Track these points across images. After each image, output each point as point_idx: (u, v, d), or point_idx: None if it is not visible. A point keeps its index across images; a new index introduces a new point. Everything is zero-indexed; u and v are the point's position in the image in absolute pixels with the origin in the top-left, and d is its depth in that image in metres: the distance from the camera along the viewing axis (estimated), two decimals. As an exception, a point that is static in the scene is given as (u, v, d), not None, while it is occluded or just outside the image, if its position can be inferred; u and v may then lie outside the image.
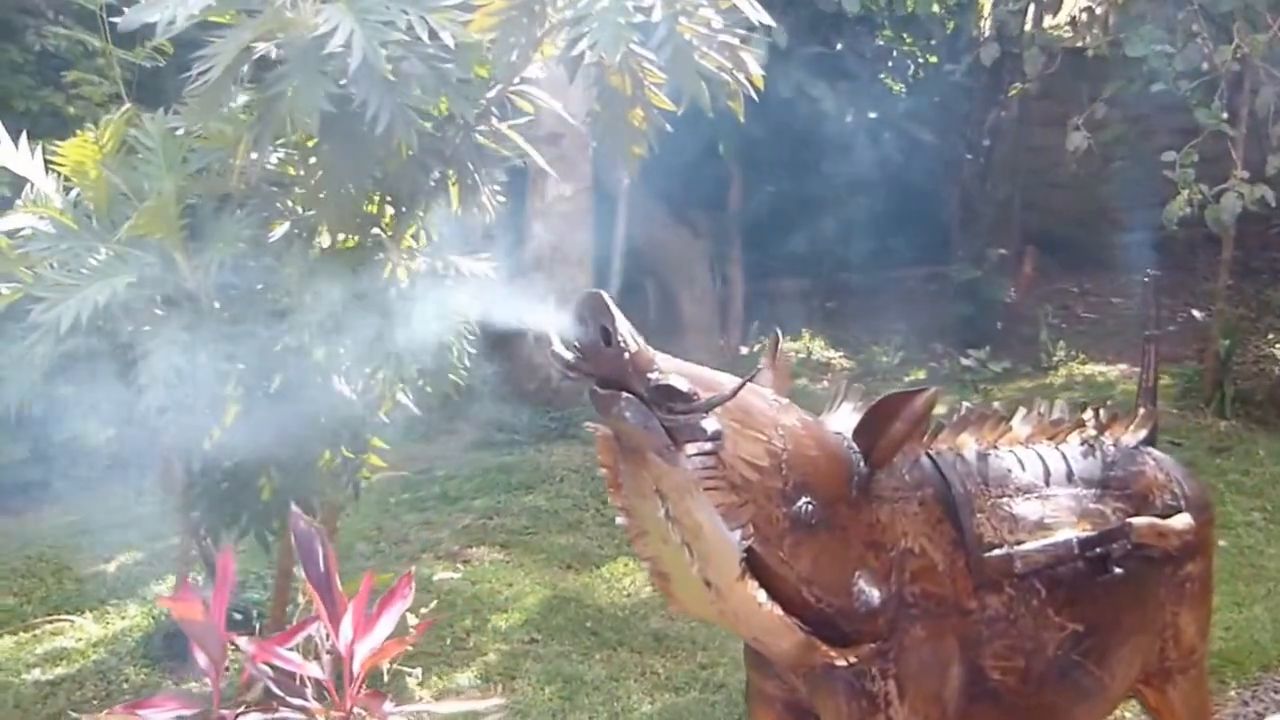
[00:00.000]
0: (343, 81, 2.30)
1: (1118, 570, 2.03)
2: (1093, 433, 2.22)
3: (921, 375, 7.21)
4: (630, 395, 1.62)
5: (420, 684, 3.54)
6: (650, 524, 1.74)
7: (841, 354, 7.79)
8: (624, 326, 1.62)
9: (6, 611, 4.21)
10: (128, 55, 3.69)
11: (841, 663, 1.77)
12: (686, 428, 1.63)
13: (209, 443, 2.77)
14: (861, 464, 1.84)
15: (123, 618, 4.08)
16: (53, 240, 2.69)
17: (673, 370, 1.65)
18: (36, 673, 3.72)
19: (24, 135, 2.87)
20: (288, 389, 2.74)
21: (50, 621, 4.10)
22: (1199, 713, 2.32)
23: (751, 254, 7.52)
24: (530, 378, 6.77)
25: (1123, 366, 6.95)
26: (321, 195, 2.54)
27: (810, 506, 1.73)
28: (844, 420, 1.93)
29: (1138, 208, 6.93)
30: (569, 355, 1.67)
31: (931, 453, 2.00)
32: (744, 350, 7.48)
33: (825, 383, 7.49)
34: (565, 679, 3.55)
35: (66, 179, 2.80)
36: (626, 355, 1.61)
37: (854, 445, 1.85)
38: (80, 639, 3.98)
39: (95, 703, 3.52)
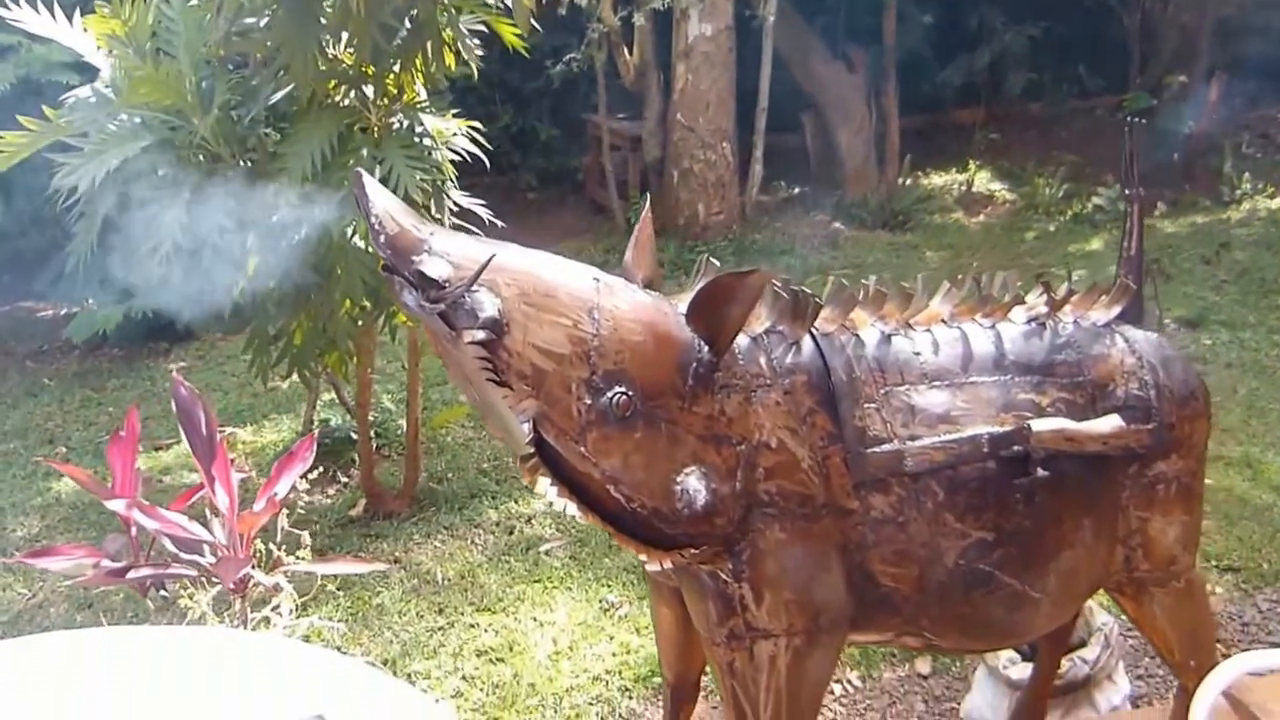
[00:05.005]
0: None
1: (1043, 472, 1.56)
2: (1042, 309, 1.68)
3: (1087, 209, 6.26)
4: (402, 280, 1.34)
5: (494, 506, 3.55)
6: (482, 407, 1.49)
7: (1005, 187, 6.90)
8: (381, 205, 1.31)
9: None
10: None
11: (654, 566, 1.47)
12: (462, 314, 1.33)
13: (238, 292, 2.73)
14: (704, 351, 1.46)
15: (276, 431, 4.31)
16: (92, 110, 2.66)
17: (445, 251, 1.34)
18: (194, 477, 3.99)
19: (77, 11, 2.82)
20: (302, 243, 2.64)
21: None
22: (1195, 635, 1.77)
23: (910, 86, 6.63)
24: (679, 214, 6.50)
25: (1314, 200, 5.65)
26: (293, 58, 2.32)
27: (623, 398, 1.39)
28: None
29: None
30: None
31: (816, 334, 1.58)
32: (902, 184, 6.76)
33: (982, 216, 6.69)
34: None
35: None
36: (382, 238, 1.32)
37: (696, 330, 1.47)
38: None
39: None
